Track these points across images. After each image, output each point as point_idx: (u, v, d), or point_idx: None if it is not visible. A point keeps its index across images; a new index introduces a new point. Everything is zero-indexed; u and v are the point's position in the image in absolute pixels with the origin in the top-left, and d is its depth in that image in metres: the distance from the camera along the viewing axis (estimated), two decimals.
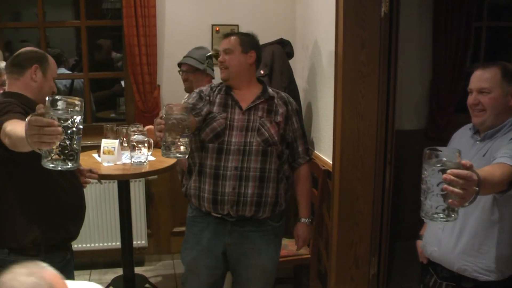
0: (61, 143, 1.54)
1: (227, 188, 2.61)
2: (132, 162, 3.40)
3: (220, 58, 2.73)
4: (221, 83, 2.79)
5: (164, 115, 2.09)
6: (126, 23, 4.06)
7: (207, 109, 2.67)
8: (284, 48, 3.72)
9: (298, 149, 2.84)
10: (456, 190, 1.53)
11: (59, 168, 1.58)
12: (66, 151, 1.56)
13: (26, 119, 1.57)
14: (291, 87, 3.65)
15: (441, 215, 1.60)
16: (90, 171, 2.64)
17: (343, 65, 3.11)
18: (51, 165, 1.57)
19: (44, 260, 2.25)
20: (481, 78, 2.22)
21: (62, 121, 1.54)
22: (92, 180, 2.73)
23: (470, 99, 2.24)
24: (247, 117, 2.66)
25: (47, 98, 1.57)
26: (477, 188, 1.60)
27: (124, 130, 3.70)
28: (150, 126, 3.10)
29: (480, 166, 1.72)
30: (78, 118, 1.57)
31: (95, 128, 4.33)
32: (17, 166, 2.13)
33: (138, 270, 4.16)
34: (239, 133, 2.63)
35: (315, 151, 3.77)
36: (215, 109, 2.68)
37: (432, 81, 4.64)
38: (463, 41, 4.55)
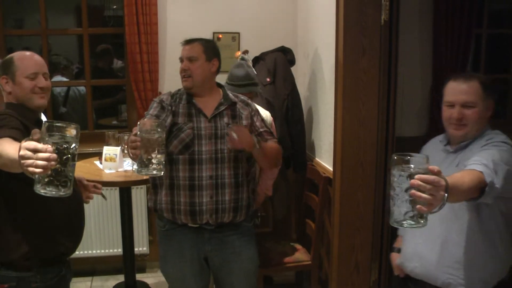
0: (54, 169, 1.54)
1: (205, 198, 2.59)
2: (133, 169, 3.40)
3: (183, 66, 2.66)
4: (179, 90, 2.75)
5: (139, 132, 2.07)
6: (128, 30, 4.08)
7: (170, 119, 2.61)
8: (285, 55, 3.74)
9: (265, 138, 2.74)
10: (424, 195, 1.51)
11: (51, 195, 1.56)
12: (59, 178, 1.56)
13: (21, 143, 1.56)
14: (293, 94, 3.67)
15: (410, 222, 1.58)
16: (95, 186, 2.59)
17: (344, 72, 3.13)
18: (43, 191, 1.56)
19: (35, 275, 2.18)
20: (464, 91, 2.19)
21: (57, 147, 1.54)
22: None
23: (454, 113, 2.20)
24: (213, 124, 2.63)
25: (43, 122, 1.56)
26: (445, 194, 1.58)
27: (126, 137, 3.71)
28: None
29: None
30: (73, 145, 1.57)
31: (96, 135, 4.35)
32: (8, 179, 2.06)
33: (139, 276, 4.17)
34: (209, 141, 2.60)
35: (316, 158, 3.79)
36: (180, 119, 2.63)
37: (433, 88, 4.65)
38: (463, 48, 4.55)
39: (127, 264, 3.90)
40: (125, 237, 3.85)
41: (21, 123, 2.13)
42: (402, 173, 1.57)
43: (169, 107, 2.65)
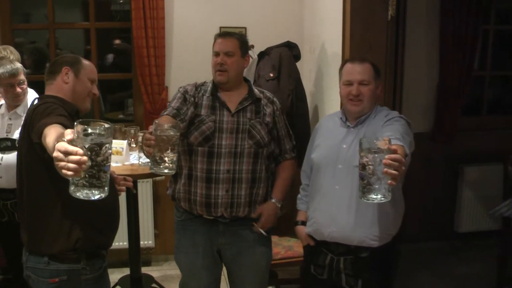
0: (88, 171, 1.48)
1: (221, 191, 2.61)
2: (140, 163, 3.44)
3: (220, 60, 2.65)
4: (205, 82, 2.75)
5: (154, 131, 2.08)
6: (135, 25, 4.09)
7: (191, 112, 2.63)
8: (291, 50, 3.74)
9: (285, 146, 2.85)
10: (394, 172, 1.72)
11: (82, 197, 1.51)
12: (94, 180, 1.50)
13: (55, 144, 1.52)
14: (298, 90, 3.67)
15: (381, 197, 1.78)
16: (125, 179, 2.60)
17: None
18: (78, 194, 1.51)
19: (85, 267, 2.22)
20: (360, 71, 2.49)
21: (90, 149, 1.47)
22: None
23: (353, 90, 2.47)
24: (236, 119, 2.64)
25: (75, 122, 1.49)
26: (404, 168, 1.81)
27: (132, 131, 3.74)
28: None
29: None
30: (106, 145, 1.50)
31: None
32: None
33: (145, 270, 4.19)
34: (229, 135, 2.62)
35: None
36: (203, 111, 2.64)
37: (439, 85, 4.65)
38: (470, 44, 4.54)
39: (133, 257, 3.92)
40: (131, 231, 3.86)
41: (65, 111, 2.20)
42: (376, 155, 1.77)
43: (192, 99, 2.67)
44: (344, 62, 2.62)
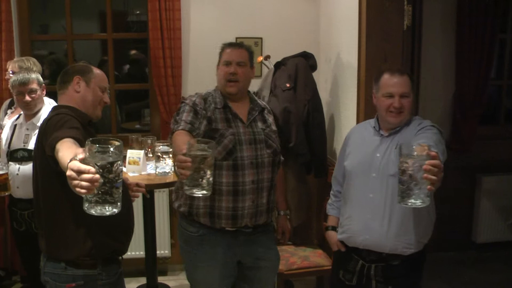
0: (101, 188, 1.54)
1: (247, 202, 2.62)
2: (156, 173, 3.46)
3: (232, 70, 2.64)
4: (209, 93, 2.73)
5: (188, 152, 2.03)
6: (151, 35, 4.13)
7: (204, 126, 2.59)
8: (307, 61, 3.74)
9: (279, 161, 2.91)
10: (434, 177, 1.77)
11: (96, 213, 1.58)
12: (107, 196, 1.56)
13: (68, 162, 1.57)
14: (315, 100, 3.67)
15: (420, 201, 1.84)
16: (137, 185, 2.62)
17: (366, 78, 3.13)
18: (92, 211, 1.58)
19: (101, 273, 2.24)
20: (401, 84, 2.49)
21: (101, 167, 1.53)
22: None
23: (395, 103, 2.46)
24: (251, 130, 2.67)
25: (87, 141, 1.56)
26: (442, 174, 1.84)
27: (149, 141, 3.75)
28: None
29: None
30: (117, 162, 1.56)
31: (120, 139, 4.38)
32: None
33: (161, 279, 4.20)
34: (249, 146, 2.62)
35: None
36: (220, 125, 2.61)
37: (456, 94, 4.62)
38: (487, 53, 4.52)
39: (149, 266, 3.94)
40: (147, 240, 3.88)
41: (78, 122, 2.23)
42: (416, 161, 1.80)
43: (203, 112, 2.62)
44: (380, 72, 2.60)
